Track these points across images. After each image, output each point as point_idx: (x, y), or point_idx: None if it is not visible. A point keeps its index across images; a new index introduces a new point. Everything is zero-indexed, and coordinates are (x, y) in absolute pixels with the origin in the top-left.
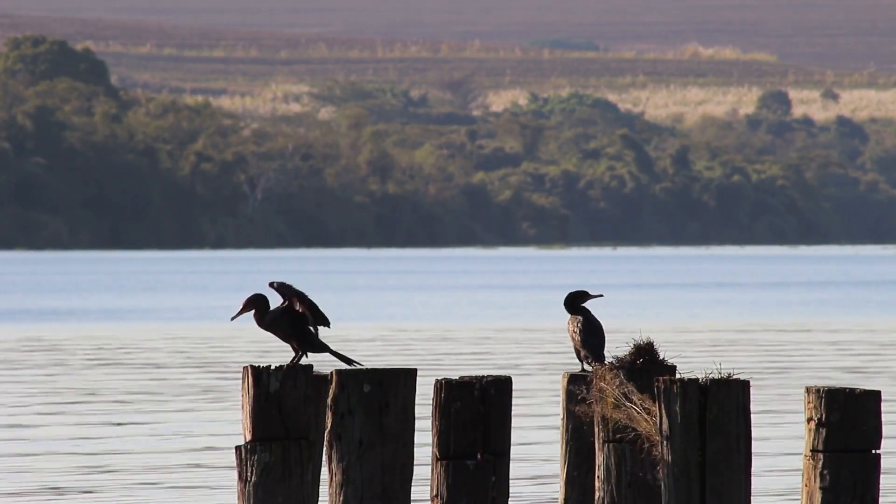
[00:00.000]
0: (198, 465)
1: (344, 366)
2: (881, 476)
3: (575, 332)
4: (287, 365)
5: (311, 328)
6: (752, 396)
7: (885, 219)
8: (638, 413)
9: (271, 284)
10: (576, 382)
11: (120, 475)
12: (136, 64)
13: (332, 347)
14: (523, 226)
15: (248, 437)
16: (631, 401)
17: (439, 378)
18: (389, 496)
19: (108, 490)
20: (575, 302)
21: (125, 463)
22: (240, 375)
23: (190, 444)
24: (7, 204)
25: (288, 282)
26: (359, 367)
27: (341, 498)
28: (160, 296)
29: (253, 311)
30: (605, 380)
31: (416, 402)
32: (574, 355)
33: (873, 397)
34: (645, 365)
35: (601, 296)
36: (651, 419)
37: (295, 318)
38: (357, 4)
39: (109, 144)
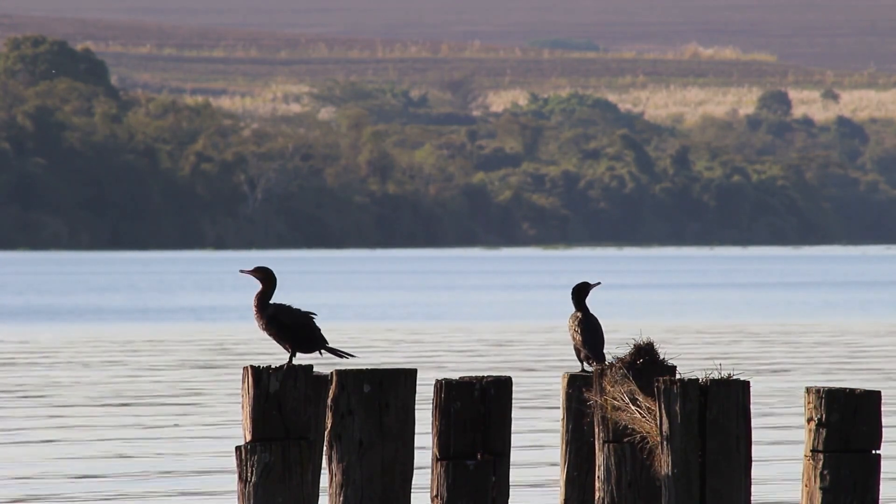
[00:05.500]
0: (197, 466)
1: (344, 365)
2: (881, 476)
3: (575, 332)
4: (286, 365)
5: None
6: (751, 397)
7: (885, 219)
8: (639, 414)
9: (275, 308)
10: (576, 383)
11: (118, 475)
12: (136, 64)
13: (329, 343)
14: (523, 226)
15: (248, 438)
16: (635, 402)
17: (439, 378)
18: (389, 496)
19: (107, 491)
20: (580, 295)
21: (123, 464)
22: (239, 375)
23: (189, 444)
24: (7, 204)
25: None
26: (352, 358)
27: (341, 498)
28: (160, 296)
29: (260, 288)
30: (608, 381)
31: (416, 402)
32: (574, 355)
33: (873, 397)
34: (645, 365)
35: (599, 283)
36: (652, 419)
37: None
38: (357, 4)
39: (109, 144)
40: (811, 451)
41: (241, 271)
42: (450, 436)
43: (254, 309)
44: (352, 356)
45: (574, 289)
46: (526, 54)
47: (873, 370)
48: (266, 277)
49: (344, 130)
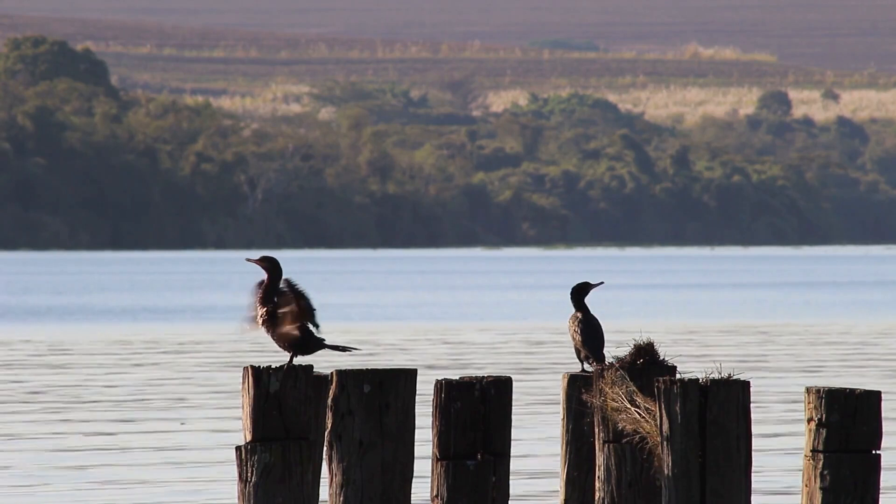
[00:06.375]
0: (198, 465)
1: (344, 365)
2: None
3: (576, 332)
4: (286, 365)
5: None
6: (752, 397)
7: (885, 219)
8: (639, 415)
9: (284, 281)
10: (576, 383)
11: (118, 478)
12: (136, 64)
13: (328, 341)
14: (523, 226)
15: (249, 438)
16: (634, 402)
17: (439, 378)
18: (389, 496)
19: (108, 491)
20: (580, 295)
21: (123, 465)
22: (240, 375)
23: (189, 444)
24: (7, 204)
25: (293, 280)
26: (356, 351)
27: (341, 498)
28: (160, 296)
29: (265, 279)
30: (606, 381)
31: (417, 402)
32: (574, 355)
33: (873, 397)
34: (645, 365)
35: (601, 283)
36: (652, 420)
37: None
38: (357, 4)
39: (109, 144)
40: (811, 451)
41: (248, 259)
42: (450, 436)
43: (256, 304)
44: (356, 349)
45: (573, 289)
46: (526, 54)
47: (873, 370)
48: (272, 267)
49: (344, 130)
